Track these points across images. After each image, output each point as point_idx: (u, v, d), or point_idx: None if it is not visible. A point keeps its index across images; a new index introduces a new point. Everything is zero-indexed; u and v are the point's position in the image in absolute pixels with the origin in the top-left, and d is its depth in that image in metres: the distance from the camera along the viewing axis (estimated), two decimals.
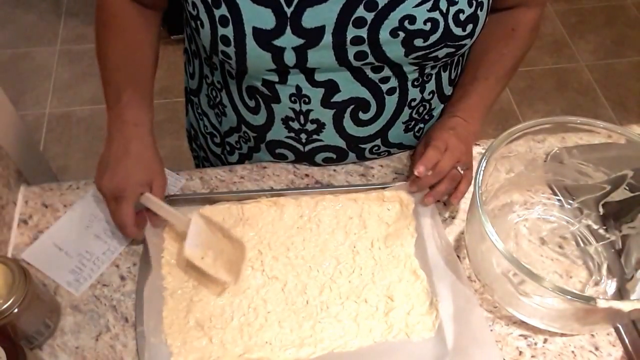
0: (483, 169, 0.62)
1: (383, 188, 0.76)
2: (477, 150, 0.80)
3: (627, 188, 0.69)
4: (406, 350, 0.63)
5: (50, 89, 2.10)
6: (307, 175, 0.80)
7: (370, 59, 0.66)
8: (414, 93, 0.73)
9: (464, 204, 0.76)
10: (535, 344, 0.65)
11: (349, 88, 0.69)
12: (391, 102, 0.72)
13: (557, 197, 0.76)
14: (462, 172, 0.71)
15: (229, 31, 0.64)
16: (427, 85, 0.73)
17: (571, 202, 0.75)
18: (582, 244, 0.73)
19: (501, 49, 0.77)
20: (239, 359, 0.62)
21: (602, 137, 0.67)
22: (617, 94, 2.15)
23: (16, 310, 0.56)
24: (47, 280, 0.69)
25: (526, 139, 0.67)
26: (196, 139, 0.94)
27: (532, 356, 0.64)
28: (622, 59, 2.27)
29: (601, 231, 0.72)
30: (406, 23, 0.63)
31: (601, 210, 0.72)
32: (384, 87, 0.70)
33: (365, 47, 0.64)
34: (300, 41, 0.63)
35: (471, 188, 0.76)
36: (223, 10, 0.63)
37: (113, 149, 0.69)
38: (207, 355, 0.63)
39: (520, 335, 0.66)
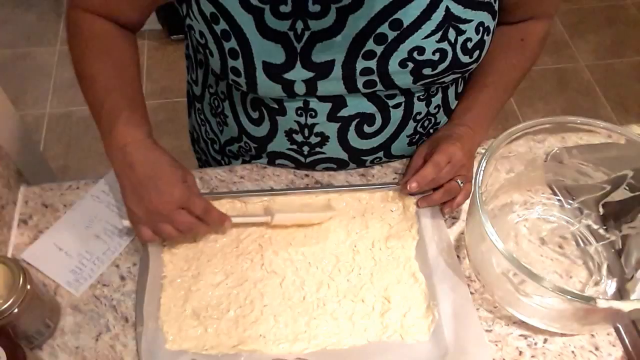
0: (483, 169, 0.62)
1: (387, 188, 0.76)
2: (477, 150, 0.80)
3: (627, 188, 0.69)
4: (399, 351, 0.63)
5: (50, 89, 2.10)
6: (307, 175, 0.80)
7: (379, 86, 0.66)
8: (419, 107, 0.73)
9: (465, 204, 0.76)
10: (535, 344, 0.65)
11: (356, 103, 0.70)
12: (396, 115, 0.73)
13: (557, 197, 0.76)
14: (461, 185, 0.71)
15: (238, 64, 0.63)
16: (433, 99, 0.74)
17: (571, 202, 0.75)
18: (582, 244, 0.73)
19: (510, 59, 0.76)
20: (232, 350, 0.63)
21: (602, 137, 0.67)
22: (617, 94, 2.15)
23: (16, 310, 0.56)
24: (47, 280, 0.69)
25: (526, 139, 0.67)
26: (198, 142, 0.94)
27: (532, 356, 0.64)
28: (622, 59, 2.27)
29: (601, 231, 0.72)
30: (415, 54, 0.63)
31: (601, 210, 0.72)
32: (391, 103, 0.71)
33: (374, 77, 0.65)
34: (310, 74, 0.64)
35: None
36: (233, 43, 0.62)
37: (139, 171, 0.63)
38: (202, 344, 0.63)
39: (520, 335, 0.66)
